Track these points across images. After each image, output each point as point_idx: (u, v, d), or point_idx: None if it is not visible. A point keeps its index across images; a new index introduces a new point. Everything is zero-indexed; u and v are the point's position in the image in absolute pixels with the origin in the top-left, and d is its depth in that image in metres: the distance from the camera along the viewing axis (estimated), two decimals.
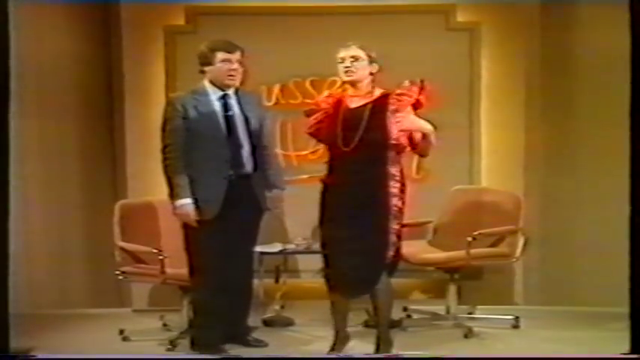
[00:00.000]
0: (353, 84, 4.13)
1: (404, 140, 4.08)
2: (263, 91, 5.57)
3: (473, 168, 5.64)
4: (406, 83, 4.11)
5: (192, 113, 4.31)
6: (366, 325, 4.79)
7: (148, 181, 5.21)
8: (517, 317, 4.94)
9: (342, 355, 4.21)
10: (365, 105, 4.09)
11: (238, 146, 4.35)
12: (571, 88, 5.57)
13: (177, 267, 4.52)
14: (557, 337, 4.74)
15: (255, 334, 4.65)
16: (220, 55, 4.33)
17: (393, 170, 4.06)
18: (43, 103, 5.38)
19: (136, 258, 4.75)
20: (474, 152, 5.65)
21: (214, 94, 4.38)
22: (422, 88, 4.09)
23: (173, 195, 4.30)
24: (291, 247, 5.21)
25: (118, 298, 5.64)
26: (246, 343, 4.55)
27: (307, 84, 5.54)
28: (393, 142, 4.04)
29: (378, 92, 4.14)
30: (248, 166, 4.38)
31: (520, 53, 5.61)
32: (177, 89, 5.27)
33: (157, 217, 4.95)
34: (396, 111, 4.06)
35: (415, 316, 5.16)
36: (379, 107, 4.07)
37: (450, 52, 5.59)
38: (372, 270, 4.08)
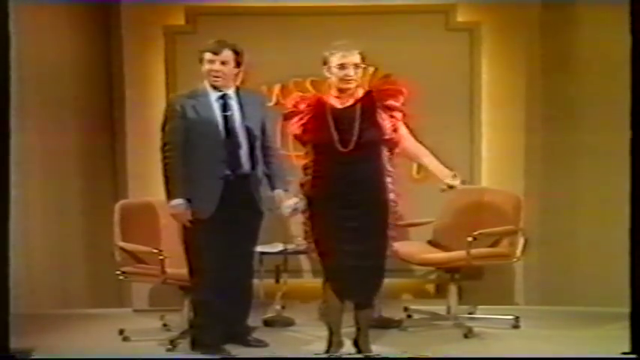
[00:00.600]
0: (345, 90, 4.12)
1: (396, 136, 4.11)
2: (263, 91, 5.58)
3: (473, 168, 5.64)
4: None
5: (190, 113, 4.32)
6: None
7: (148, 181, 5.21)
8: (517, 317, 4.94)
9: (341, 355, 4.21)
10: (354, 105, 4.09)
11: (236, 146, 4.35)
12: (571, 88, 5.56)
13: (177, 267, 4.52)
14: (558, 337, 4.74)
15: (255, 334, 4.65)
16: (206, 56, 4.35)
17: (388, 166, 4.10)
18: (44, 103, 5.38)
19: (136, 258, 4.75)
20: (473, 152, 5.65)
21: (213, 95, 4.39)
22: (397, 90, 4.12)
23: (168, 194, 4.33)
24: (291, 247, 5.21)
25: (118, 298, 5.64)
26: (247, 343, 4.55)
27: (307, 84, 5.53)
28: (387, 137, 4.07)
29: (360, 91, 4.14)
30: (246, 167, 4.38)
31: (520, 53, 5.61)
32: (178, 89, 5.28)
33: (157, 217, 4.95)
34: (386, 107, 4.07)
35: (415, 316, 5.16)
36: (368, 105, 4.08)
37: (450, 52, 5.59)
38: (376, 271, 4.12)
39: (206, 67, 4.36)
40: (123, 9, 5.60)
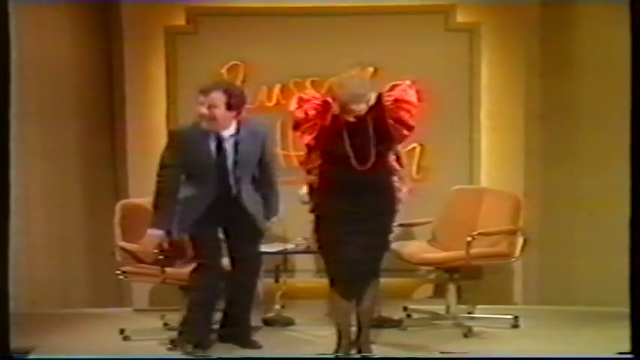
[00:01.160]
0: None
1: (406, 132, 4.09)
2: (263, 92, 5.59)
3: (473, 168, 5.65)
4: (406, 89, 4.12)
5: (187, 147, 4.27)
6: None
7: (149, 181, 5.19)
8: (516, 317, 4.94)
9: (341, 355, 4.21)
10: (365, 116, 4.03)
11: (226, 183, 4.31)
12: (571, 88, 5.57)
13: (178, 267, 4.52)
14: (557, 336, 4.74)
15: (255, 334, 4.65)
16: (199, 98, 4.26)
17: (395, 164, 4.11)
18: (44, 103, 5.38)
19: (136, 258, 4.75)
20: (473, 152, 5.66)
21: (209, 135, 4.29)
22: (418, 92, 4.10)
23: (152, 220, 4.32)
24: (291, 247, 5.21)
25: (118, 297, 5.65)
26: (245, 344, 4.54)
27: (307, 84, 5.54)
28: (397, 145, 4.10)
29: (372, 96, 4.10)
30: (237, 200, 4.34)
31: (520, 53, 5.62)
32: (178, 89, 5.30)
33: None
34: (393, 112, 4.05)
35: (415, 315, 5.16)
36: (378, 113, 4.04)
37: (449, 52, 5.60)
38: (374, 263, 4.14)
39: (197, 108, 4.26)
40: (123, 9, 5.62)
